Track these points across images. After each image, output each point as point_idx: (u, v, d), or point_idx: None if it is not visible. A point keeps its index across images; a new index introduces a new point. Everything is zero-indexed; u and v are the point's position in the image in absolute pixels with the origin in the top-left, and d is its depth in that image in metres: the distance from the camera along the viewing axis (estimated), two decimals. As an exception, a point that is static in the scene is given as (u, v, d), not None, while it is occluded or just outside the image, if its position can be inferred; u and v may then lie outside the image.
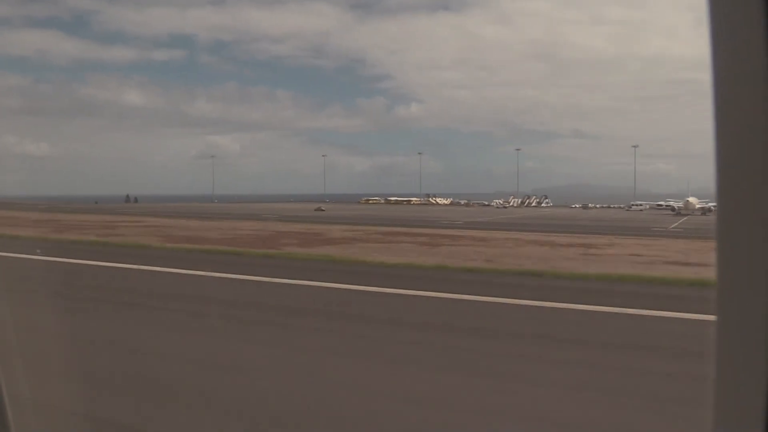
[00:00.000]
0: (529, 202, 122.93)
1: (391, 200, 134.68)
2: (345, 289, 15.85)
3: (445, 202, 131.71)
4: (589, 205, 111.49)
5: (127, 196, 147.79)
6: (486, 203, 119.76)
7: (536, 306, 13.14)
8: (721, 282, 1.44)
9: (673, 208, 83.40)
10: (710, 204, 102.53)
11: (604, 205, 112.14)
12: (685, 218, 69.65)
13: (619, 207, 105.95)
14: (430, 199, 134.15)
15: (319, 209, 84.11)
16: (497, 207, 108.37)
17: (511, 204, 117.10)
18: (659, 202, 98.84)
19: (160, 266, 19.91)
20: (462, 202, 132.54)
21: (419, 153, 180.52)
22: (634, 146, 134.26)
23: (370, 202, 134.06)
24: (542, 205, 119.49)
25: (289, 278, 17.31)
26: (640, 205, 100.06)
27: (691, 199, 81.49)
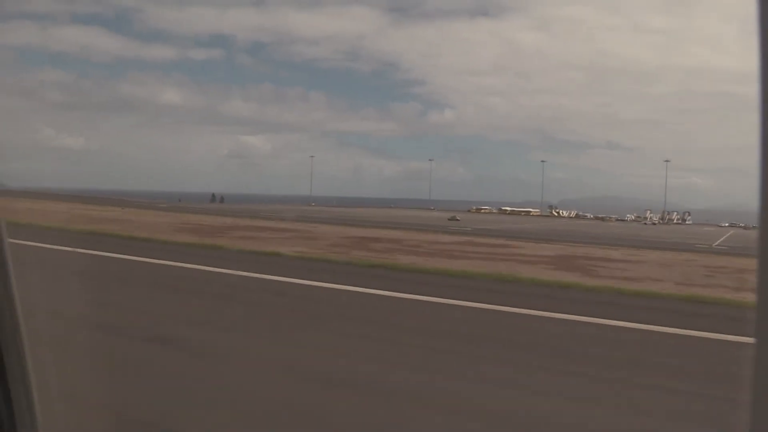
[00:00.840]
0: (669, 219, 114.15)
1: (506, 210, 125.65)
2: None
3: (569, 214, 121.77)
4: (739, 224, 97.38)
5: (213, 195, 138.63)
6: (624, 218, 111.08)
7: None
8: (761, 303, 1.36)
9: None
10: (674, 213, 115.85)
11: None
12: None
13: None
14: (553, 211, 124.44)
15: (453, 218, 77.99)
16: (650, 223, 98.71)
17: (651, 220, 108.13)
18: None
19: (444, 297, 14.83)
20: (588, 215, 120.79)
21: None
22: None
23: (483, 211, 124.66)
24: (686, 222, 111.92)
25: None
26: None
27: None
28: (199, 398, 6.93)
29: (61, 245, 20.05)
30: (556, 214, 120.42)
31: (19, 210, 31.36)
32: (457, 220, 77.34)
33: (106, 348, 8.42)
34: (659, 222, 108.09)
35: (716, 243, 54.29)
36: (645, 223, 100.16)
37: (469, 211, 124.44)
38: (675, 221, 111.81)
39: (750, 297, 1.36)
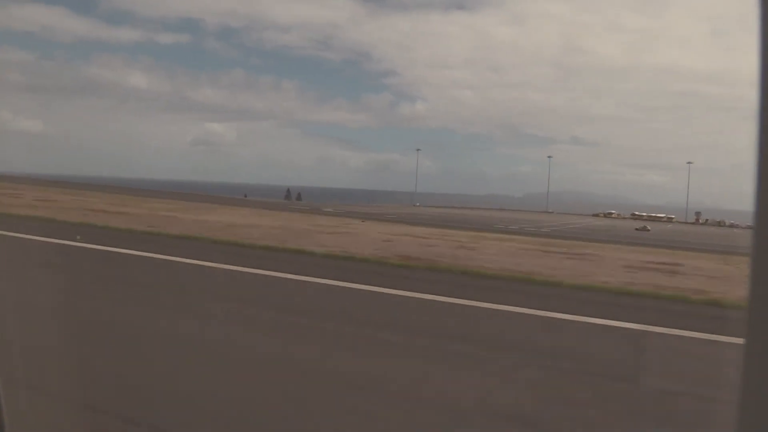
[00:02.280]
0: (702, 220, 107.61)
1: (641, 215, 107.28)
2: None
3: (720, 222, 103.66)
4: None
5: (288, 190, 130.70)
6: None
7: None
8: (752, 303, 1.30)
9: None
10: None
11: None
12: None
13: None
14: (699, 218, 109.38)
15: (644, 228, 69.72)
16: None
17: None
18: None
19: None
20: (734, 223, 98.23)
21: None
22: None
23: (613, 215, 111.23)
24: (726, 223, 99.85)
25: None
26: None
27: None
28: None
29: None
30: (702, 222, 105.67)
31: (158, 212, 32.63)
32: (648, 230, 68.16)
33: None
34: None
35: None
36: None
37: (596, 215, 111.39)
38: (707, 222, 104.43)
39: None
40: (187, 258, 15.18)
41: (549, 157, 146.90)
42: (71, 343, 6.99)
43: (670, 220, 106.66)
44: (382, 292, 12.23)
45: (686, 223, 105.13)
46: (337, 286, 12.70)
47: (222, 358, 7.37)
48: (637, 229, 69.76)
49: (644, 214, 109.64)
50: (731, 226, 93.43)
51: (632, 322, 10.30)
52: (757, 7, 1.29)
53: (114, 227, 22.05)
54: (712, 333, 9.52)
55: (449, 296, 12.00)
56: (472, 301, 11.58)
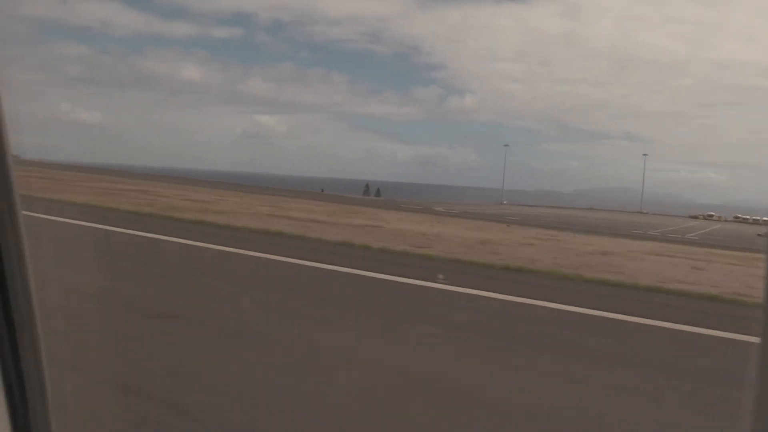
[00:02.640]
0: None
1: (746, 219, 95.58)
2: None
3: None
4: None
5: (367, 185, 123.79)
6: None
7: None
8: None
9: None
10: None
11: None
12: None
13: None
14: None
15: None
16: None
17: None
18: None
19: None
20: None
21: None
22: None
23: (714, 218, 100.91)
24: None
25: None
26: None
27: None
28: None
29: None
30: None
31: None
32: None
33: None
34: None
35: None
36: None
37: (694, 217, 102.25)
38: None
39: None
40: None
41: (644, 155, 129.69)
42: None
43: None
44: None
45: None
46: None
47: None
48: (759, 235, 62.49)
49: (748, 217, 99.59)
50: None
51: None
52: None
53: (408, 252, 17.01)
54: None
55: None
56: None
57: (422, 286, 11.97)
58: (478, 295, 11.36)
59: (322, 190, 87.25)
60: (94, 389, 5.36)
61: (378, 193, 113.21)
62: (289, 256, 14.35)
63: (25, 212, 1.66)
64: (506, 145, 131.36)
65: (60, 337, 4.42)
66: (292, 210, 31.30)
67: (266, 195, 47.89)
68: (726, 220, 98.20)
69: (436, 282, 12.12)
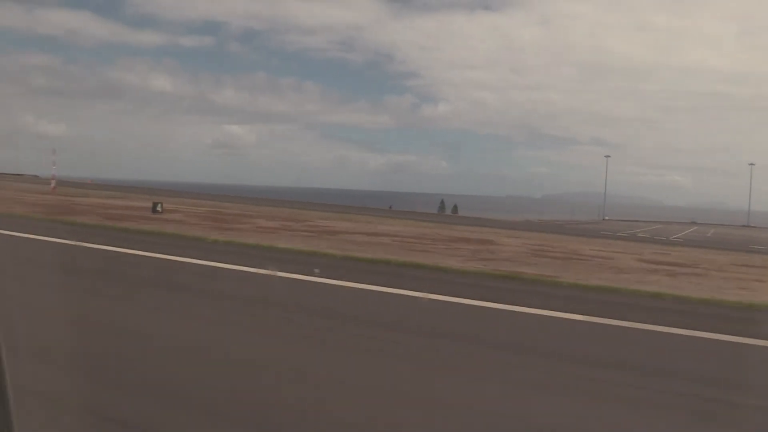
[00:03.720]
0: None
1: None
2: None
3: None
4: None
5: (442, 202, 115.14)
6: None
7: None
8: None
9: None
10: None
11: None
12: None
13: None
14: None
15: None
16: None
17: None
18: None
19: None
20: None
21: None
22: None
23: None
24: None
25: None
26: None
27: None
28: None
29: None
30: None
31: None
32: None
33: None
34: None
35: None
36: None
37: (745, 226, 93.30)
38: None
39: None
40: None
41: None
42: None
43: None
44: None
45: None
46: None
47: None
48: None
49: None
50: None
51: None
52: None
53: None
54: None
55: None
56: None
57: None
58: None
59: (390, 207, 74.58)
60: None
61: (455, 210, 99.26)
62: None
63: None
64: (607, 156, 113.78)
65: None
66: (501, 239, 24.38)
67: (347, 213, 40.40)
68: None
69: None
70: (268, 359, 6.14)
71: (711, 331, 8.01)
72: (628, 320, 8.44)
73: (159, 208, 25.84)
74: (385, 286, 10.38)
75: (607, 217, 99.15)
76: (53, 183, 44.43)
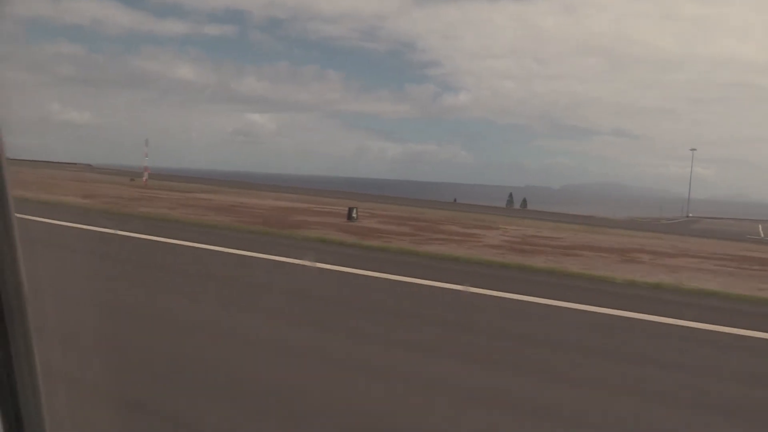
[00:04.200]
0: None
1: None
2: None
3: None
4: None
5: (511, 195, 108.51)
6: None
7: None
8: None
9: None
10: None
11: None
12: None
13: None
14: None
15: None
16: None
17: None
18: None
19: None
20: None
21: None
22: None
23: None
24: None
25: None
26: None
27: None
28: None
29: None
30: None
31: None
32: None
33: None
34: None
35: None
36: None
37: None
38: None
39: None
40: None
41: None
42: None
43: None
44: None
45: None
46: None
47: None
48: None
49: None
50: None
51: None
52: None
53: None
54: None
55: None
56: None
57: None
58: None
59: (455, 200, 73.01)
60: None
61: (524, 204, 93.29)
62: None
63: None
64: (693, 149, 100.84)
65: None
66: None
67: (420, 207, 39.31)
68: None
69: None
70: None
71: None
72: None
73: (354, 215, 22.25)
74: None
75: (691, 214, 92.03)
76: (146, 176, 43.00)
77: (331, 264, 11.35)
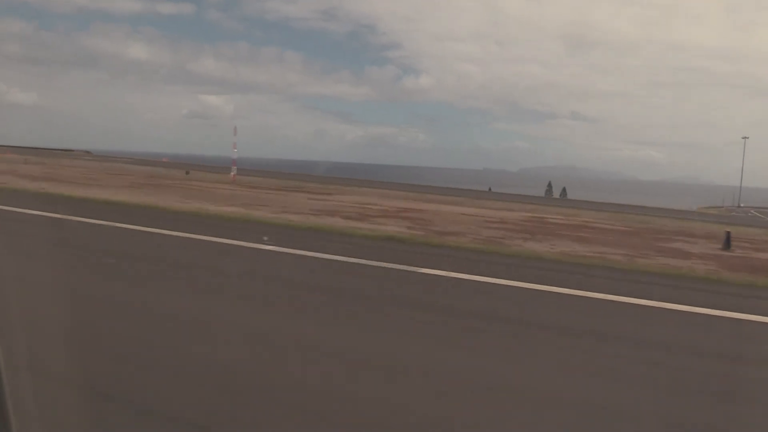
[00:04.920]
0: None
1: None
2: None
3: None
4: None
5: (550, 185, 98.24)
6: None
7: None
8: None
9: None
10: None
11: None
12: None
13: None
14: None
15: None
16: None
17: None
18: None
19: None
20: None
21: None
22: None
23: None
24: None
25: None
26: None
27: None
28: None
29: None
30: None
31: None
32: None
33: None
34: None
35: None
36: None
37: None
38: None
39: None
40: None
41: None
42: None
43: None
44: None
45: None
46: None
47: None
48: None
49: None
50: None
51: None
52: None
53: None
54: None
55: None
56: None
57: None
58: None
59: (490, 189, 68.14)
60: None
61: (564, 193, 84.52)
62: None
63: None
64: (745, 138, 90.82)
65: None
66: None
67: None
68: None
69: None
70: None
71: None
72: None
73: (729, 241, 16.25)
74: None
75: (743, 204, 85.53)
76: (234, 171, 37.19)
77: None
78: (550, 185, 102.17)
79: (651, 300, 8.35)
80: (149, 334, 5.81)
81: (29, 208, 14.82)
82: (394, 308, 7.66)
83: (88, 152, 78.83)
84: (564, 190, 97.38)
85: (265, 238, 11.77)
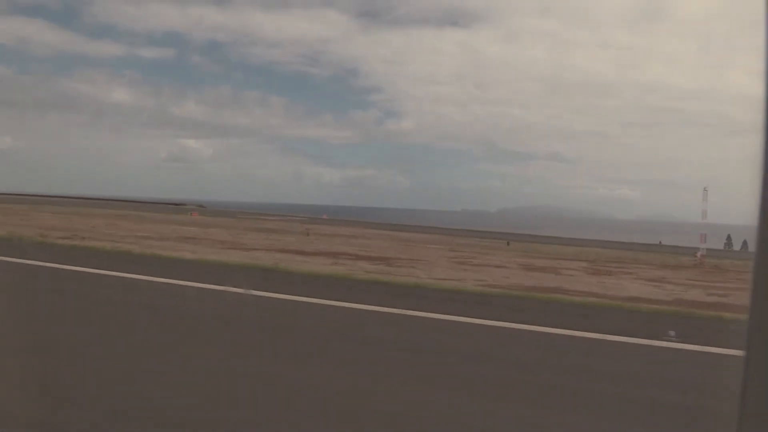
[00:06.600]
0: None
1: None
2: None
3: None
4: None
5: (729, 237, 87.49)
6: None
7: None
8: (753, 315, 1.26)
9: None
10: None
11: None
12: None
13: None
14: None
15: None
16: None
17: None
18: None
19: None
20: None
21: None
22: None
23: None
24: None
25: None
26: None
27: None
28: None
29: None
30: None
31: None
32: None
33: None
34: None
35: None
36: None
37: None
38: None
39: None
40: None
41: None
42: None
43: None
44: None
45: None
46: None
47: None
48: None
49: None
50: None
51: None
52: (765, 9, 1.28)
53: None
54: None
55: None
56: None
57: None
58: None
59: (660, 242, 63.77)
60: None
61: (745, 246, 75.97)
62: None
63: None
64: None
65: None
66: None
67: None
68: None
69: None
70: None
71: None
72: None
73: None
74: None
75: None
76: (701, 253, 29.16)
77: None
78: (729, 237, 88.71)
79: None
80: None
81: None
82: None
83: (201, 206, 66.45)
84: (745, 242, 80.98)
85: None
